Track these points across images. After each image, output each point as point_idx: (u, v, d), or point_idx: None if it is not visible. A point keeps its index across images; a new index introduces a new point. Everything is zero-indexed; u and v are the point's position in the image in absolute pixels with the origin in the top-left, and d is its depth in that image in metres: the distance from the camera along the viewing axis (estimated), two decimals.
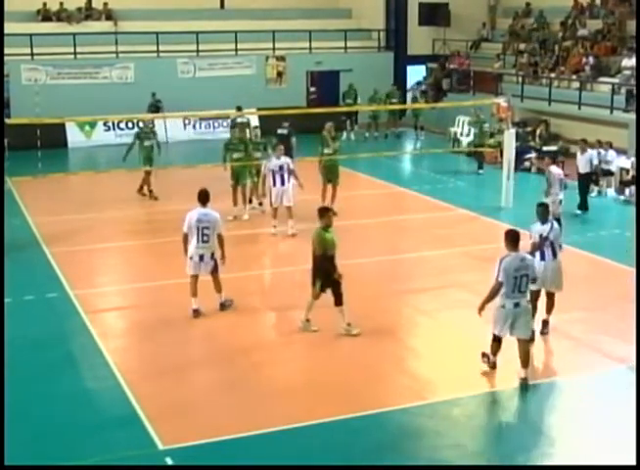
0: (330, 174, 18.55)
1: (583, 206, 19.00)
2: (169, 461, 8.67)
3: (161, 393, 10.30)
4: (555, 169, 16.30)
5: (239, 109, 24.30)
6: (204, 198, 12.57)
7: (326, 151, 18.62)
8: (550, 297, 11.92)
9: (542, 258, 11.58)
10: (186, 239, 12.42)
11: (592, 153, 19.66)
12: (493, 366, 10.71)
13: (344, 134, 28.01)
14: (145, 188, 20.70)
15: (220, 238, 12.49)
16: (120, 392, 10.20)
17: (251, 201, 19.03)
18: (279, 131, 21.52)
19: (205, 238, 12.33)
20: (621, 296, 13.22)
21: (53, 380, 10.61)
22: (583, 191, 19.20)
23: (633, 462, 8.20)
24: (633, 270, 14.22)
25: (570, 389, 10.48)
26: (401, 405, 9.89)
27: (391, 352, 11.39)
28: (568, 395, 10.37)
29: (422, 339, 12.09)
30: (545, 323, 11.95)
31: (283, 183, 17.04)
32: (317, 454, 8.90)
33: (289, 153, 19.28)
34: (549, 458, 8.87)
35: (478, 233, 17.54)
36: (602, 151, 20.81)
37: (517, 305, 10.25)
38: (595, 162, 19.65)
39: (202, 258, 12.38)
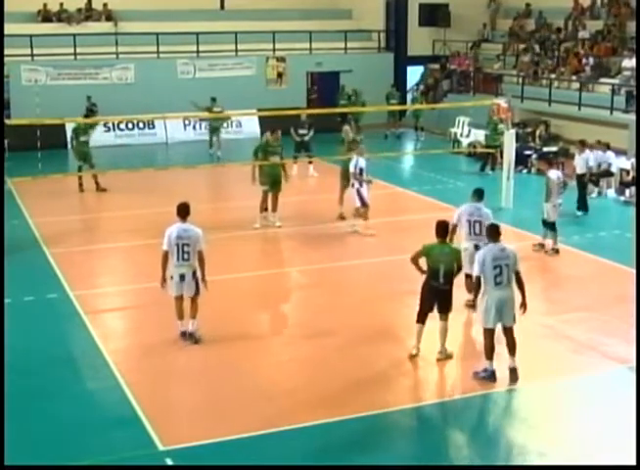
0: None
1: (583, 207, 18.96)
2: (169, 462, 8.67)
3: (161, 393, 10.32)
4: (553, 175, 15.71)
5: (213, 100, 25.45)
6: (183, 212, 11.61)
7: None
8: (507, 333, 10.41)
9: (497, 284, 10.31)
10: (166, 257, 11.54)
11: (589, 154, 19.67)
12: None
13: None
14: (83, 184, 20.99)
15: (201, 256, 11.54)
16: (120, 392, 10.19)
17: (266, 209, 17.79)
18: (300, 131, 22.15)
19: (186, 256, 11.44)
20: (621, 296, 13.21)
21: (53, 380, 10.61)
22: (581, 192, 19.14)
23: (633, 462, 8.20)
24: (633, 271, 14.23)
25: (570, 389, 10.47)
26: (401, 406, 9.88)
27: (391, 353, 11.38)
28: (568, 395, 10.36)
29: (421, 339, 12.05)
30: (513, 371, 10.37)
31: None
32: (317, 454, 8.90)
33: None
34: (548, 458, 8.86)
35: None
36: (600, 152, 20.81)
37: (476, 247, 12.04)
38: (591, 163, 19.63)
39: (182, 277, 11.50)
